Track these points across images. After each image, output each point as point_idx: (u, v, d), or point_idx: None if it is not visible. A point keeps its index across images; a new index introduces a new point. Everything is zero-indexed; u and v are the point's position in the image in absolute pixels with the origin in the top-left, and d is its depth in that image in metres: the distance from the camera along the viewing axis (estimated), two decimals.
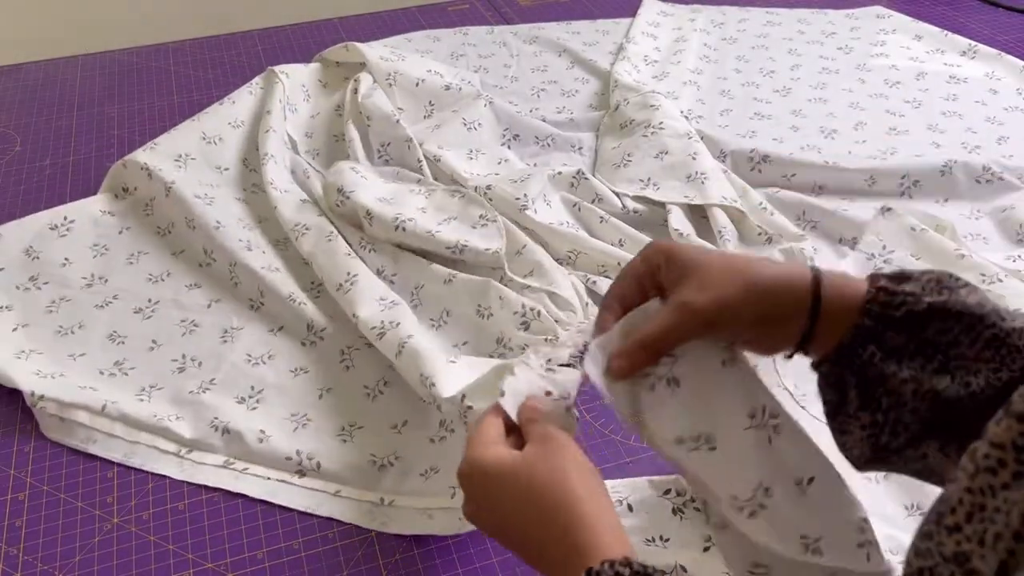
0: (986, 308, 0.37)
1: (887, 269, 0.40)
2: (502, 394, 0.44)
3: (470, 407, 0.56)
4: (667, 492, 0.56)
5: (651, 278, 0.43)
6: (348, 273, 0.73)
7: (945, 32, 1.16)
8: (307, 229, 0.79)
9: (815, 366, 0.41)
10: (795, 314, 0.40)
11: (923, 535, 0.29)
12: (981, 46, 1.11)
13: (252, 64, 1.17)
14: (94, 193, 0.88)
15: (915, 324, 0.38)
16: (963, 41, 1.13)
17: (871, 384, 0.39)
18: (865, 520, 0.41)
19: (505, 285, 0.72)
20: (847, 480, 0.41)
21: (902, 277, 0.39)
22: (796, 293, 0.40)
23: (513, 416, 0.44)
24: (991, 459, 0.27)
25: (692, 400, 0.42)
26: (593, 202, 0.84)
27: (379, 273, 0.75)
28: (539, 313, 0.69)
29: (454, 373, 0.62)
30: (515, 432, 0.44)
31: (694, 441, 0.41)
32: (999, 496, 0.26)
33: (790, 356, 0.42)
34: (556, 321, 0.69)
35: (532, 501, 0.39)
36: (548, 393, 0.45)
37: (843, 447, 0.41)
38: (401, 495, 0.60)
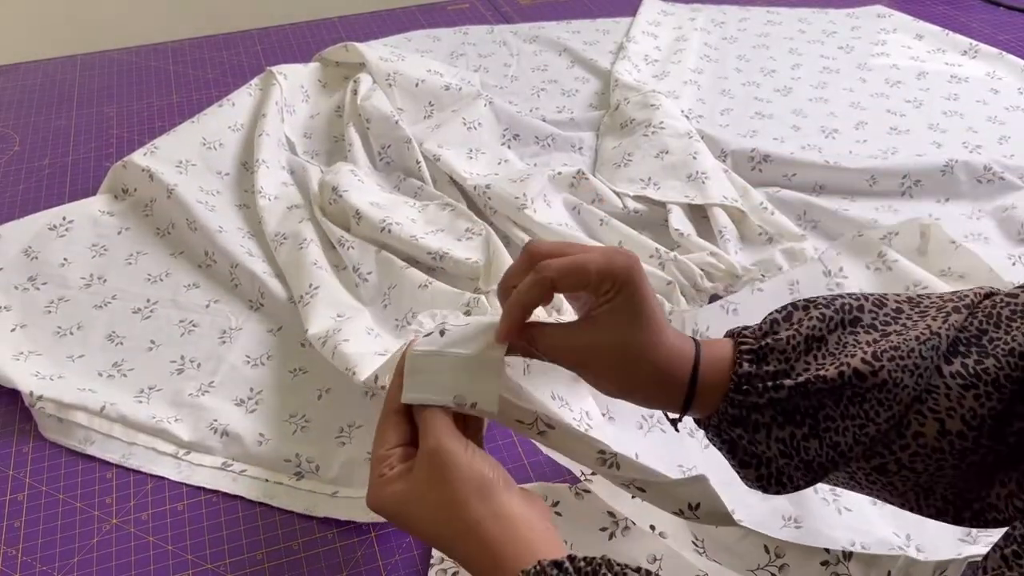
0: (847, 373, 0.37)
1: (754, 332, 0.41)
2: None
3: (383, 387, 0.57)
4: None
5: (597, 283, 0.41)
6: (310, 285, 0.72)
7: (946, 31, 1.16)
8: (284, 239, 0.79)
9: (698, 423, 0.43)
10: (668, 399, 0.42)
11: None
12: (982, 45, 1.11)
13: (252, 64, 1.16)
14: (93, 193, 0.88)
15: (782, 402, 0.39)
16: (964, 40, 1.13)
17: (744, 455, 0.41)
18: None
19: (481, 295, 0.72)
20: None
21: (766, 352, 0.40)
22: (673, 382, 0.41)
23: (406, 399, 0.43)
24: None
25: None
26: (593, 202, 0.83)
27: (355, 270, 0.75)
28: (470, 309, 0.68)
29: (376, 361, 0.62)
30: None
31: None
32: None
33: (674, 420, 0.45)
34: None
35: (441, 526, 0.40)
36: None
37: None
38: None
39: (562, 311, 0.64)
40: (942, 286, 0.68)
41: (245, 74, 1.13)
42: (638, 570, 0.36)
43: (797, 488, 0.40)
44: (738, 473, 0.42)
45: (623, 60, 1.09)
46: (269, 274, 0.76)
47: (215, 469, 0.62)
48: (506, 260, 0.74)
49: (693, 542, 0.53)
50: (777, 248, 0.76)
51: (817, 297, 0.41)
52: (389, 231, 0.76)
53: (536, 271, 0.41)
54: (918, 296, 0.41)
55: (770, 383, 0.39)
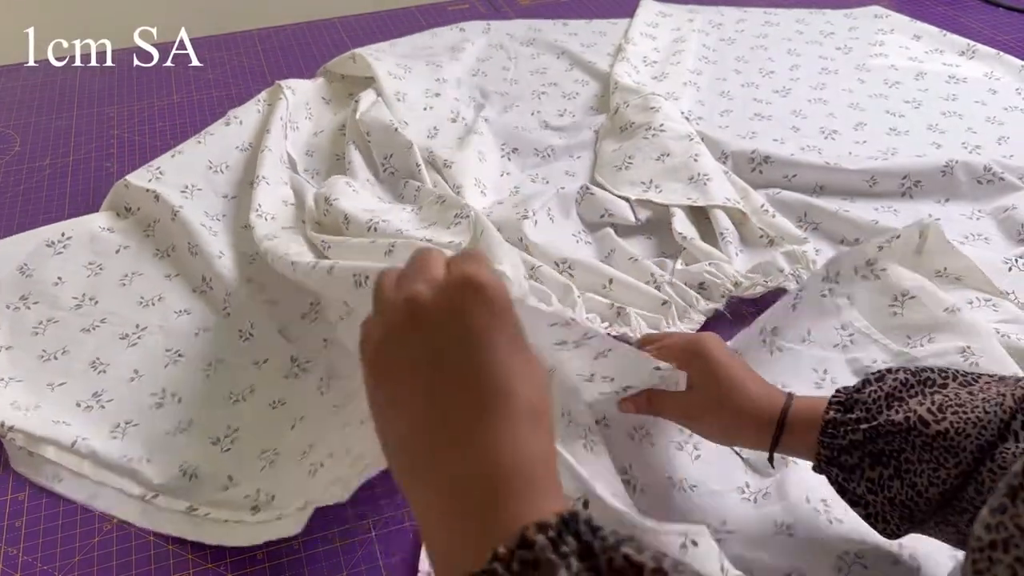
0: (912, 419, 0.45)
1: (848, 386, 0.50)
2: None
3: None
4: None
5: (679, 357, 0.54)
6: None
7: (944, 32, 1.16)
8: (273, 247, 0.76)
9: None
10: (761, 440, 0.51)
11: (995, 509, 0.30)
12: (980, 46, 1.11)
13: (252, 64, 1.17)
14: (94, 194, 0.88)
15: (863, 444, 0.47)
16: (961, 41, 1.13)
17: (849, 495, 0.48)
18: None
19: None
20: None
21: (851, 403, 0.48)
22: (762, 425, 0.51)
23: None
24: None
25: None
26: (603, 216, 0.82)
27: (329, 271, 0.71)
28: None
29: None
30: None
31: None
32: None
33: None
34: None
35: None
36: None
37: None
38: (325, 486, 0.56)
39: None
40: (933, 294, 0.68)
41: (246, 74, 1.13)
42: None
43: (901, 531, 0.47)
44: (860, 515, 0.48)
45: (622, 62, 1.08)
46: (264, 301, 0.74)
47: (180, 513, 0.59)
48: (494, 234, 0.70)
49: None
50: (779, 251, 0.76)
51: (905, 365, 0.51)
52: (375, 229, 0.74)
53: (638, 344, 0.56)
54: (1000, 376, 0.48)
55: (850, 428, 0.47)
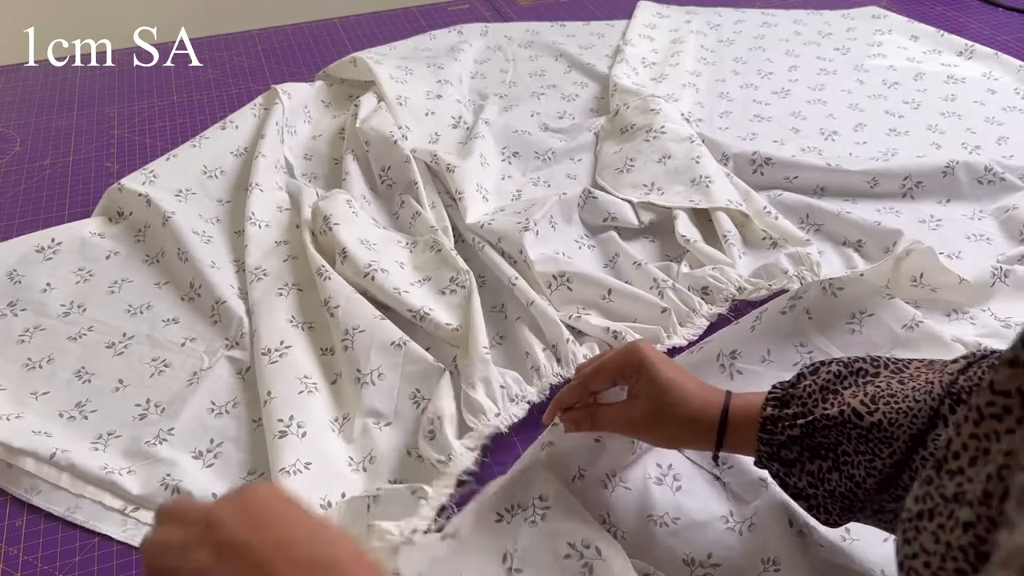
0: (846, 412, 0.46)
1: (784, 381, 0.50)
2: None
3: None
4: None
5: (620, 375, 0.54)
6: (281, 342, 0.68)
7: (941, 32, 1.16)
8: (264, 275, 0.75)
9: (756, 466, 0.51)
10: (705, 442, 0.51)
11: (923, 481, 0.32)
12: (978, 46, 1.12)
13: (252, 64, 1.17)
14: (93, 194, 0.88)
15: (801, 439, 0.47)
16: (959, 41, 1.13)
17: (791, 489, 0.49)
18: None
19: (454, 364, 0.67)
20: None
21: (788, 399, 0.49)
22: (705, 428, 0.51)
23: None
24: (996, 406, 0.29)
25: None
26: (606, 220, 0.82)
27: (325, 303, 0.71)
28: (435, 431, 0.61)
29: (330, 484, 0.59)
30: None
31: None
32: (1003, 440, 0.28)
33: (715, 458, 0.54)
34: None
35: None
36: None
37: None
38: None
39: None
40: (894, 310, 0.67)
41: (246, 74, 1.13)
42: None
43: (842, 520, 0.48)
44: (803, 508, 0.49)
45: (621, 63, 1.08)
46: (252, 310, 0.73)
47: None
48: (479, 329, 0.67)
49: None
50: (782, 252, 0.76)
51: (839, 357, 0.50)
52: (373, 278, 0.72)
53: (574, 378, 0.57)
54: (930, 360, 0.49)
55: (787, 423, 0.48)
